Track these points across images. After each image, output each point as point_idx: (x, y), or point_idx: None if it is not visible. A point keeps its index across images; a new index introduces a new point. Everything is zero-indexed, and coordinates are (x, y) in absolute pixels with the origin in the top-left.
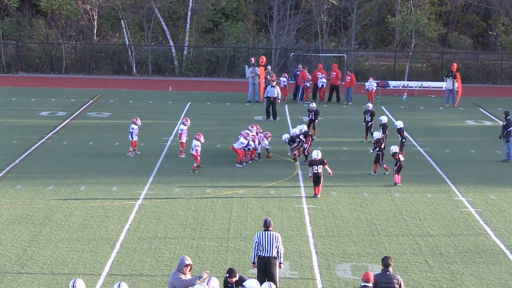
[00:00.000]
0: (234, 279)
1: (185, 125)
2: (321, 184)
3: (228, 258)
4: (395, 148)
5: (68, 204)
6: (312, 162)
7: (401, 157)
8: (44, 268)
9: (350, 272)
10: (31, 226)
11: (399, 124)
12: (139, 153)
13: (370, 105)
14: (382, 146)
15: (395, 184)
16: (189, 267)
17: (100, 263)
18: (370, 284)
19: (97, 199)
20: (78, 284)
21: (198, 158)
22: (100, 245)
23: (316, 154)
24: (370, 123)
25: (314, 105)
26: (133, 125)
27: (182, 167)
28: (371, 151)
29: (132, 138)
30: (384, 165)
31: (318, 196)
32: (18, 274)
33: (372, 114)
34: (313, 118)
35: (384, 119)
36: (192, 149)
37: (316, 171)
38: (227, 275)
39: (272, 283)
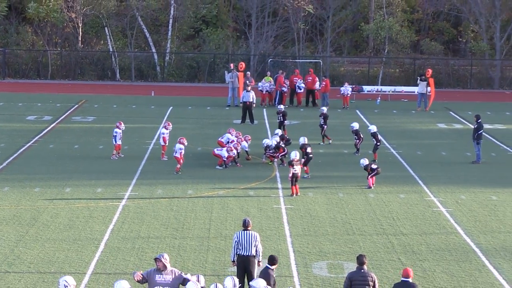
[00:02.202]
0: (275, 266)
1: (167, 129)
2: (297, 183)
3: (209, 257)
4: (364, 161)
5: (54, 205)
6: (292, 163)
7: (374, 166)
8: (31, 267)
9: (326, 270)
10: (18, 227)
11: (373, 128)
12: (122, 155)
13: (325, 109)
14: (309, 151)
15: (369, 187)
16: (156, 261)
17: (85, 262)
18: (410, 280)
19: (82, 199)
20: (68, 280)
21: (181, 160)
22: (85, 245)
23: (295, 155)
24: (324, 126)
25: (281, 107)
26: (116, 129)
27: (164, 169)
28: (303, 159)
29: (115, 141)
30: (306, 168)
31: (299, 194)
32: (6, 273)
33: (325, 117)
34: (281, 120)
35: (355, 125)
36: (176, 152)
37: (295, 171)
38: (272, 261)
39: (198, 281)
